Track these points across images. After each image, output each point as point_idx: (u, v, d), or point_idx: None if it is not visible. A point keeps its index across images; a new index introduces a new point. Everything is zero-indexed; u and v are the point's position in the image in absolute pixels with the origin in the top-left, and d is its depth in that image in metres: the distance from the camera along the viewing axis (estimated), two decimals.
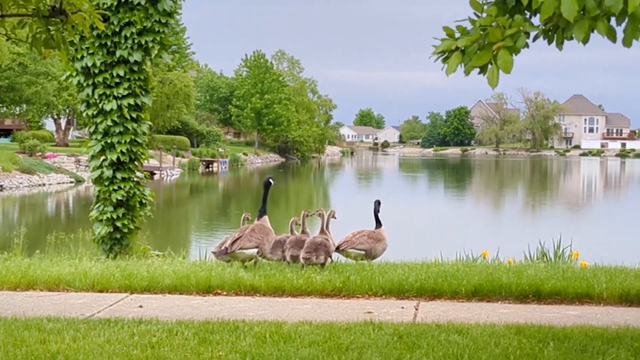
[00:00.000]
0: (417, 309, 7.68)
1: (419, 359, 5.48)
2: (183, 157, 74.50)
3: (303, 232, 9.55)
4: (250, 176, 76.48)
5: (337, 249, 9.71)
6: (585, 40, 3.86)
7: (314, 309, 7.61)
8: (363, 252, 9.78)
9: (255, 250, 9.00)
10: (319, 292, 8.25)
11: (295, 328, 6.38)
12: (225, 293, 8.32)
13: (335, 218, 9.84)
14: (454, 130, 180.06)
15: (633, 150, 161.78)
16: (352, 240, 9.83)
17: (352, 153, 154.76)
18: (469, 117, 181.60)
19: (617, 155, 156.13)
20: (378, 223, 10.15)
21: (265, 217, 9.43)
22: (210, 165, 76.98)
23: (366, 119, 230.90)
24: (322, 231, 9.38)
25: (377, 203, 10.36)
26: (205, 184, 64.42)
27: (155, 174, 59.89)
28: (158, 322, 6.62)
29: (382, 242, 9.97)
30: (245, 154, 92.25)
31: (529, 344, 5.96)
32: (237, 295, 8.24)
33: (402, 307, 7.73)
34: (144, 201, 11.93)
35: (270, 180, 9.79)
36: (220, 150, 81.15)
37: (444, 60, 4.20)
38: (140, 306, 7.66)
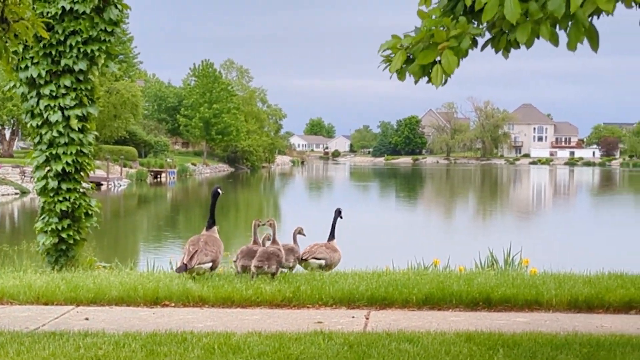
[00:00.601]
0: (367, 318, 7.72)
1: None
2: (131, 167, 73.60)
3: (254, 242, 9.54)
4: (199, 186, 75.89)
5: (301, 260, 9.82)
6: (529, 44, 3.95)
7: (263, 320, 7.59)
8: (323, 262, 9.90)
9: (210, 264, 9.10)
10: (268, 302, 8.24)
11: (245, 339, 6.36)
12: (173, 304, 8.25)
13: (304, 235, 10.00)
14: (405, 139, 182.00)
15: (581, 158, 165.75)
16: (311, 250, 9.98)
17: (302, 162, 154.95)
18: (420, 126, 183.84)
19: (565, 164, 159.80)
20: (331, 235, 10.28)
21: (215, 228, 9.47)
22: (159, 176, 76.20)
23: (317, 128, 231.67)
24: (274, 242, 9.44)
25: (338, 212, 10.51)
26: (154, 194, 63.65)
27: (102, 184, 59.00)
28: (104, 334, 6.55)
29: (338, 253, 10.15)
30: (193, 164, 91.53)
31: (479, 351, 6.05)
32: (186, 307, 8.18)
33: (353, 317, 7.77)
34: (90, 212, 11.78)
35: (219, 190, 9.78)
36: (168, 160, 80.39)
37: (389, 59, 4.25)
38: (87, 319, 7.55)
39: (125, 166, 71.12)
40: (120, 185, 63.57)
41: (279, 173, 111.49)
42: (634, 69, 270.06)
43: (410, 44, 4.13)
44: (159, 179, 75.57)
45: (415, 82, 6.33)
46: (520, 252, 14.66)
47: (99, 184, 56.04)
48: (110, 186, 61.21)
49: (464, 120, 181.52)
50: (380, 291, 8.39)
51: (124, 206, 51.24)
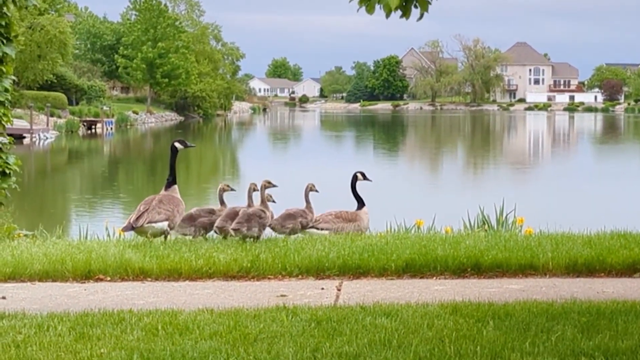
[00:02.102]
0: (339, 290, 7.73)
1: (339, 348, 5.49)
2: (59, 117, 72.45)
3: (249, 205, 9.78)
4: (142, 139, 75.29)
5: (303, 228, 10.21)
6: None
7: (216, 294, 7.55)
8: (325, 233, 10.08)
9: (166, 223, 9.23)
10: (222, 273, 8.20)
11: (194, 317, 6.31)
12: (109, 279, 8.18)
13: (316, 191, 10.41)
14: (384, 82, 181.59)
15: (582, 103, 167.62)
16: (317, 218, 10.35)
17: (264, 110, 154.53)
18: (401, 68, 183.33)
19: (565, 110, 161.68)
20: (360, 203, 10.70)
21: (175, 187, 9.70)
22: (93, 127, 75.35)
23: (281, 71, 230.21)
24: (262, 203, 9.75)
25: (356, 177, 10.85)
26: (87, 148, 63.04)
27: (24, 137, 58.06)
28: (25, 316, 6.44)
29: (354, 224, 10.34)
30: (135, 113, 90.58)
31: (467, 325, 6.09)
32: (124, 281, 8.11)
33: (322, 288, 7.77)
34: (7, 171, 11.50)
35: (176, 144, 9.95)
36: (104, 108, 79.26)
37: None
38: (3, 297, 7.43)
39: (52, 115, 69.88)
40: (47, 138, 62.60)
41: (237, 122, 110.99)
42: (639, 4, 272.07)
43: None
44: (93, 130, 74.77)
45: (387, 16, 6.18)
46: (514, 210, 14.82)
47: (20, 137, 55.05)
48: (34, 139, 60.21)
49: (451, 60, 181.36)
50: (353, 258, 8.39)
51: (51, 163, 50.59)
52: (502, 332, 5.87)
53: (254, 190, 9.91)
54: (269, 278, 8.19)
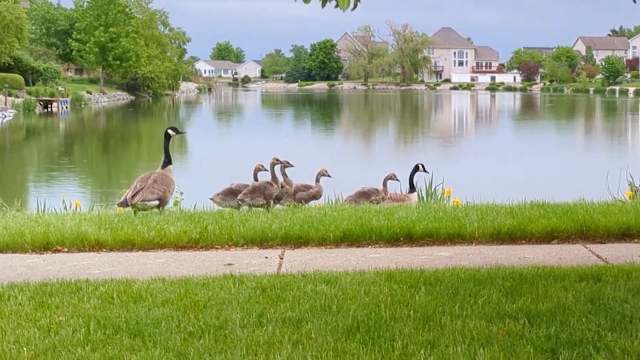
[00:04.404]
0: (282, 259, 7.66)
1: (283, 313, 5.43)
2: (17, 97, 70.67)
3: (273, 179, 10.34)
4: (95, 116, 73.85)
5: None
6: None
7: (168, 264, 7.41)
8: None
9: (157, 202, 9.45)
10: (173, 244, 8.06)
11: (147, 286, 6.18)
12: (66, 250, 7.97)
13: (328, 176, 11.29)
14: (320, 64, 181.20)
15: (502, 83, 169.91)
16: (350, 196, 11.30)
17: (209, 89, 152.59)
18: (336, 51, 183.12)
19: (487, 89, 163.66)
20: (412, 187, 11.75)
21: (170, 167, 9.95)
22: (49, 106, 73.61)
23: (224, 53, 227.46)
24: (272, 178, 10.33)
25: (416, 168, 11.94)
26: (44, 126, 61.52)
27: None
28: None
29: (405, 204, 10.60)
30: (89, 93, 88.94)
31: (400, 290, 6.07)
32: (80, 252, 7.92)
33: (266, 257, 7.69)
34: None
35: (169, 131, 10.16)
36: (60, 88, 77.52)
37: None
38: None
39: (10, 95, 68.15)
40: (5, 117, 60.98)
41: (184, 101, 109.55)
42: None
43: None
44: (49, 109, 73.04)
45: (322, 6, 6.07)
46: (442, 183, 14.89)
47: None
48: None
49: (382, 44, 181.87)
50: (294, 229, 8.32)
51: (10, 140, 49.16)
52: (433, 297, 5.86)
53: (259, 170, 10.49)
54: (216, 248, 8.07)
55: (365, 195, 11.28)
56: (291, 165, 10.81)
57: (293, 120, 71.31)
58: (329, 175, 11.35)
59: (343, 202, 11.36)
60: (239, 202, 10.07)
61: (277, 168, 10.48)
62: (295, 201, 10.86)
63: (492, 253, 7.91)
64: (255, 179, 10.56)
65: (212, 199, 10.59)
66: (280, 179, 10.55)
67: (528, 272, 6.63)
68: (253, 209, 10.03)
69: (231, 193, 10.41)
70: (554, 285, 6.21)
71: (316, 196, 11.25)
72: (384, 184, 11.71)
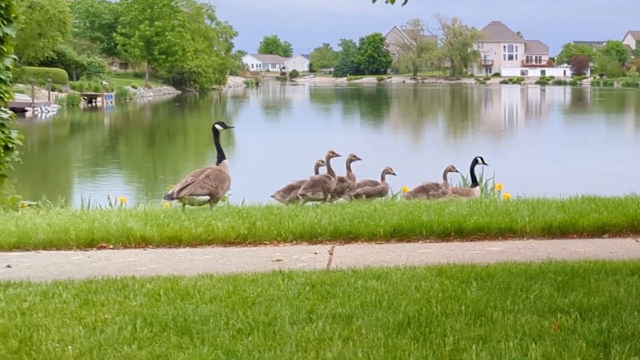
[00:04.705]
0: (331, 254, 7.67)
1: (333, 309, 5.43)
2: (60, 91, 71.65)
3: (330, 172, 10.63)
4: (141, 111, 74.69)
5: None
6: None
7: (215, 260, 7.46)
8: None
9: (207, 197, 9.56)
10: (221, 240, 8.11)
11: (194, 283, 6.20)
12: (111, 246, 8.05)
13: (393, 174, 11.67)
14: (369, 58, 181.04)
15: (552, 77, 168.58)
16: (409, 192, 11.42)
17: (257, 84, 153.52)
18: (384, 45, 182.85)
19: (537, 83, 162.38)
20: (474, 182, 12.07)
21: (224, 162, 10.10)
22: (94, 100, 74.59)
23: (272, 47, 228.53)
24: (328, 171, 10.60)
25: (475, 161, 12.15)
26: (89, 121, 62.41)
27: (27, 110, 57.41)
28: (30, 284, 6.23)
29: (469, 198, 10.86)
30: (134, 87, 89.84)
31: (452, 286, 6.05)
32: (126, 249, 7.98)
33: (315, 253, 7.71)
34: (10, 145, 11.29)
35: (217, 126, 10.31)
36: (104, 83, 78.48)
37: None
38: (9, 266, 7.19)
39: (54, 90, 69.05)
40: (49, 112, 61.85)
41: (232, 96, 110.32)
42: None
43: None
44: (94, 104, 74.02)
45: (373, 1, 6.07)
46: (493, 177, 14.79)
47: (22, 110, 54.35)
48: (36, 112, 59.49)
49: (431, 38, 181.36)
50: (344, 224, 8.33)
51: (54, 135, 49.86)
52: (484, 292, 5.84)
53: (320, 165, 10.86)
54: (264, 244, 8.11)
55: (424, 190, 11.32)
56: (359, 159, 11.10)
57: (342, 115, 71.27)
58: (393, 173, 11.62)
59: (401, 197, 11.44)
60: (300, 196, 10.29)
61: (333, 161, 10.70)
62: (363, 195, 11.09)
63: (543, 247, 7.91)
64: (317, 173, 10.83)
65: (273, 196, 10.79)
66: (342, 173, 10.87)
67: (580, 267, 6.64)
68: (312, 203, 10.24)
69: (292, 189, 10.63)
70: (605, 280, 6.21)
71: (382, 193, 11.49)
72: (444, 177, 11.81)
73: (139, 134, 49.88)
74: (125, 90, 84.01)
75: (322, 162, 10.81)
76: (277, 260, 7.35)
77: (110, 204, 12.36)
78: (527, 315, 5.27)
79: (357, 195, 11.08)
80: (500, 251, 7.73)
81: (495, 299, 5.65)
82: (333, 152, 10.73)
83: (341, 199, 11.01)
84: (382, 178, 11.60)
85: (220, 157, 10.12)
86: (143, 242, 8.07)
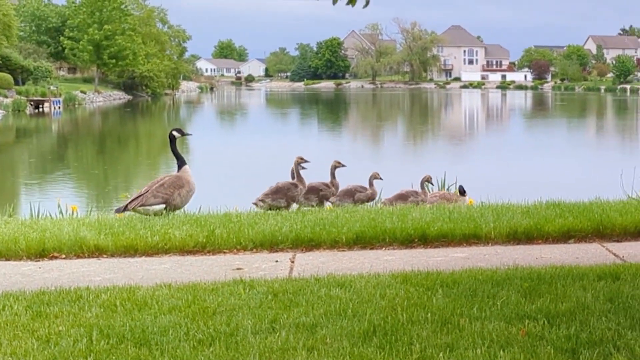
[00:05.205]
0: (293, 262, 7.67)
1: (297, 319, 5.43)
2: (6, 96, 70.70)
3: (298, 178, 10.69)
4: (90, 117, 73.93)
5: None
6: None
7: (173, 269, 7.41)
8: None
9: (162, 206, 9.60)
10: (179, 249, 8.05)
11: (152, 293, 6.15)
12: (64, 256, 7.94)
13: (380, 179, 11.80)
14: (326, 62, 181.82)
15: (513, 82, 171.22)
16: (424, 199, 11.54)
17: (211, 89, 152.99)
18: (342, 49, 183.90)
19: (497, 88, 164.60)
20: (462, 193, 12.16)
21: (185, 167, 10.14)
22: (41, 106, 73.67)
23: (227, 51, 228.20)
24: (296, 177, 10.65)
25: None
26: (36, 127, 61.49)
27: None
28: None
29: (456, 204, 10.86)
30: (83, 92, 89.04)
31: (417, 293, 6.08)
32: (79, 258, 7.89)
33: (277, 261, 7.70)
34: None
35: (174, 132, 10.31)
36: (52, 88, 77.53)
37: None
38: None
39: None
40: None
41: (185, 101, 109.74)
42: None
43: None
44: (41, 109, 73.08)
45: (334, 3, 6.10)
46: (455, 182, 14.92)
47: None
48: None
49: (390, 42, 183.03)
50: (305, 232, 8.34)
51: None
52: (450, 299, 5.88)
53: (299, 163, 10.75)
54: (224, 252, 8.07)
55: (403, 197, 11.44)
56: (343, 165, 11.23)
57: (299, 120, 71.31)
58: (380, 178, 11.84)
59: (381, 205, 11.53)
60: (259, 202, 10.31)
61: (325, 167, 10.99)
62: (354, 202, 11.29)
63: (508, 253, 7.99)
64: (296, 172, 10.80)
65: (255, 204, 10.68)
66: (327, 179, 11.04)
67: (546, 272, 6.71)
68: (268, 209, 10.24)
69: (279, 192, 10.62)
70: (572, 285, 6.30)
71: (372, 198, 11.68)
72: (421, 187, 12.08)
73: (88, 141, 49.25)
74: (73, 96, 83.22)
75: (302, 159, 10.80)
76: (238, 268, 7.32)
77: (61, 213, 12.18)
78: (494, 322, 5.32)
79: (358, 202, 11.35)
80: (465, 257, 7.79)
81: (461, 306, 5.70)
82: (302, 158, 10.73)
83: (328, 203, 11.18)
84: (371, 184, 11.73)
85: (180, 163, 10.17)
86: (97, 252, 7.98)
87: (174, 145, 10.29)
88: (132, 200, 9.54)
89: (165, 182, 9.77)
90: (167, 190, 9.64)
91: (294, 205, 10.72)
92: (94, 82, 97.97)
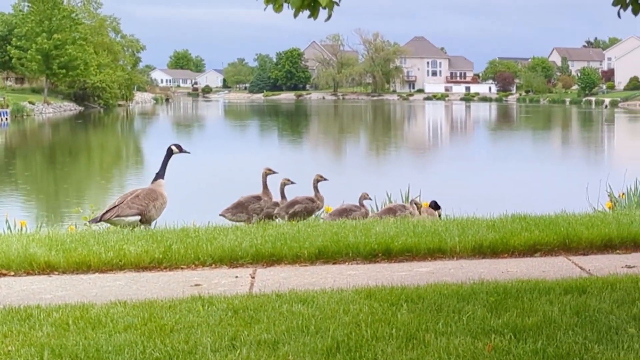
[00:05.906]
0: (253, 278, 7.66)
1: (258, 335, 5.42)
2: None
3: (264, 191, 10.97)
4: (39, 128, 73.10)
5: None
6: None
7: (128, 286, 7.36)
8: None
9: (137, 217, 9.75)
10: (134, 265, 8.00)
11: (106, 310, 6.10)
12: (12, 273, 7.85)
13: (369, 199, 12.04)
14: (286, 73, 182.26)
15: (477, 94, 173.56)
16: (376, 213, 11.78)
17: (167, 100, 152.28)
18: (303, 60, 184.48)
19: (461, 99, 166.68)
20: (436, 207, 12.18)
21: (160, 181, 10.26)
22: None
23: (183, 62, 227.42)
24: (264, 190, 10.90)
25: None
26: None
27: None
28: None
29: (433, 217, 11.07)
30: (32, 103, 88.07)
31: (381, 308, 6.12)
32: (29, 275, 7.80)
33: (237, 277, 7.69)
34: None
35: (173, 147, 10.51)
36: None
37: None
38: None
39: None
40: None
41: (139, 112, 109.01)
42: (530, 3, 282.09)
43: None
44: None
45: (295, 16, 6.14)
46: (419, 196, 15.02)
47: None
48: None
49: (352, 53, 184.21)
50: (266, 247, 8.34)
51: None
52: (415, 315, 5.93)
53: (286, 184, 11.07)
54: (182, 268, 8.04)
55: (391, 211, 11.57)
56: (325, 179, 11.43)
57: (259, 132, 71.27)
58: (370, 198, 12.08)
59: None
60: (223, 216, 10.47)
61: (304, 183, 11.21)
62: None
63: (474, 268, 8.08)
64: (282, 193, 11.01)
65: (222, 215, 10.89)
66: (311, 193, 11.24)
67: (512, 286, 6.79)
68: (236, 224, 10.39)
69: (241, 205, 10.75)
70: (539, 299, 6.38)
71: (366, 216, 11.80)
72: (360, 203, 12.05)
73: (37, 153, 48.61)
74: (21, 107, 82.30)
75: (288, 180, 11.01)
76: (196, 285, 7.29)
77: (9, 228, 12.00)
78: (460, 337, 5.37)
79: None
80: (430, 272, 7.86)
81: (426, 321, 5.74)
82: (270, 170, 10.81)
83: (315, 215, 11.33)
84: (361, 204, 11.82)
85: (157, 175, 10.29)
86: (48, 269, 7.88)
87: (168, 158, 10.45)
88: (107, 212, 9.64)
89: (140, 194, 9.89)
90: (142, 201, 9.76)
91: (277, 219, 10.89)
92: (43, 92, 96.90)
